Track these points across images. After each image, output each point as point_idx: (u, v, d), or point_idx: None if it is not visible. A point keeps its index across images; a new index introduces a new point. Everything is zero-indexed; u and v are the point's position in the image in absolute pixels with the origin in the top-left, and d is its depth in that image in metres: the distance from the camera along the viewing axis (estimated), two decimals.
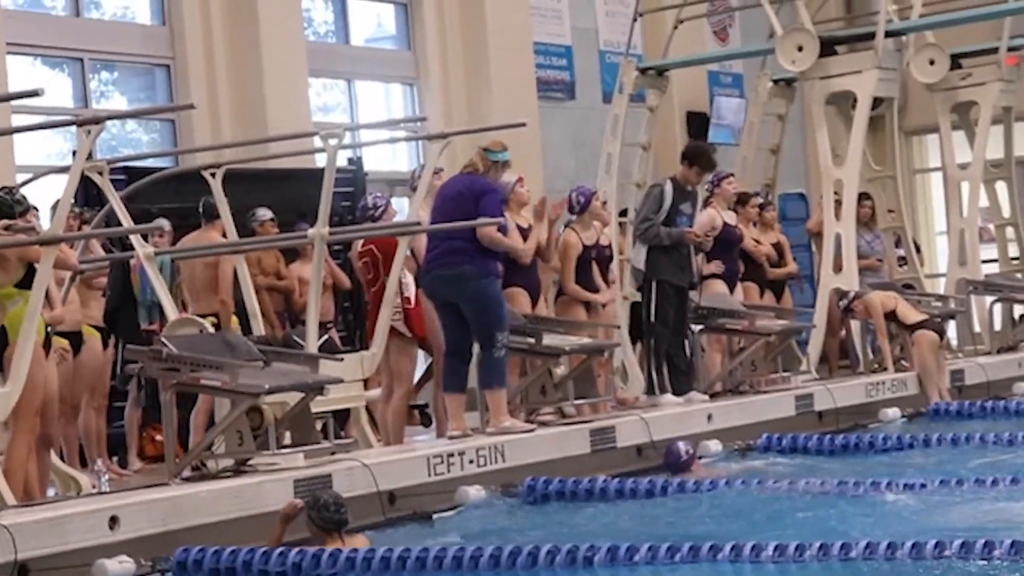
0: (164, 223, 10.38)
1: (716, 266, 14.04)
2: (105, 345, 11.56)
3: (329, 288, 13.18)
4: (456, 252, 10.82)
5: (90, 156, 10.04)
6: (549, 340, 11.54)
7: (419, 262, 11.39)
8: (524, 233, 11.82)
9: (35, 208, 9.89)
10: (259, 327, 11.25)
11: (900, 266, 17.05)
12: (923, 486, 9.10)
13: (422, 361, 12.23)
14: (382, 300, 10.97)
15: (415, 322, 11.39)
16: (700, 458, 10.79)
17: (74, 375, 11.02)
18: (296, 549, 7.89)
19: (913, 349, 14.41)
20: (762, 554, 7.09)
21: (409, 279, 11.36)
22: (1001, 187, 18.23)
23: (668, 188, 12.95)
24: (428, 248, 11.06)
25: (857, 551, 6.93)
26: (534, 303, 12.09)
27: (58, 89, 14.54)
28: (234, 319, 11.61)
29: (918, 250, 17.96)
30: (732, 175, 14.95)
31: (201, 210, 11.76)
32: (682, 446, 10.31)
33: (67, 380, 10.66)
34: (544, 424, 11.52)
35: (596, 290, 12.84)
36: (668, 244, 12.81)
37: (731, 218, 14.43)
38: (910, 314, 14.63)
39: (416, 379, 12.25)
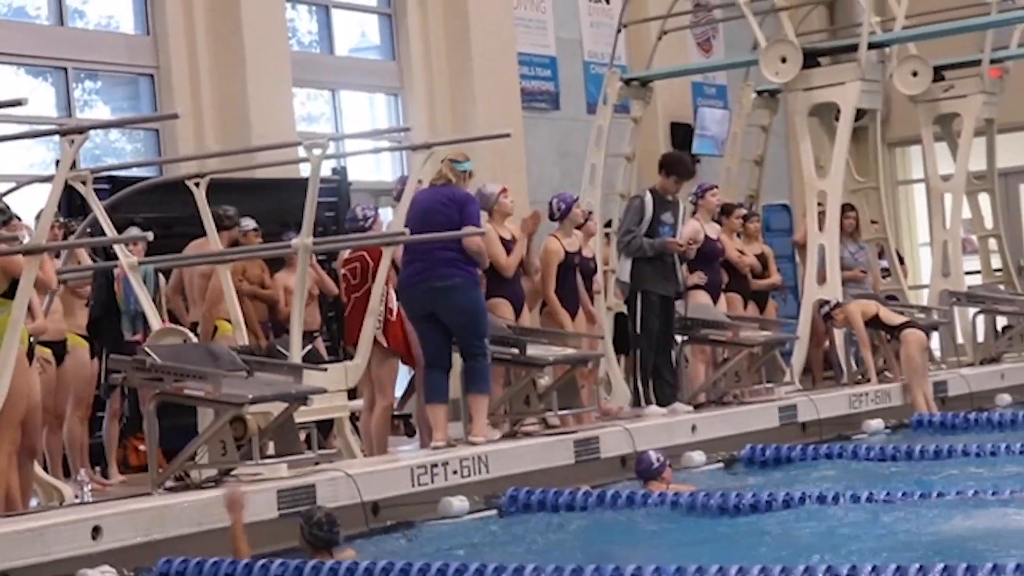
0: (146, 234, 10.34)
1: (699, 277, 14.07)
2: (93, 355, 11.53)
3: (315, 297, 13.17)
4: (447, 263, 10.84)
5: (73, 165, 10.03)
6: (533, 350, 11.55)
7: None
8: (507, 245, 11.84)
9: (19, 217, 9.88)
10: (243, 337, 11.24)
11: (883, 277, 17.09)
12: (903, 498, 9.12)
13: (406, 373, 12.22)
14: (366, 309, 10.95)
15: (393, 334, 11.37)
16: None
17: (58, 384, 10.98)
18: (279, 561, 7.88)
19: (901, 349, 14.40)
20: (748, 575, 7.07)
21: (392, 291, 11.35)
22: (984, 199, 18.28)
23: (648, 199, 12.99)
24: (408, 260, 11.03)
25: (843, 573, 6.91)
26: (517, 314, 12.11)
27: (41, 98, 14.50)
28: (227, 325, 11.58)
29: (901, 261, 18.00)
30: (716, 187, 14.99)
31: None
32: (653, 454, 10.32)
33: (50, 390, 10.63)
34: (528, 435, 11.53)
35: (577, 299, 12.86)
36: (652, 255, 12.84)
37: (714, 230, 14.46)
38: (894, 316, 14.69)
39: (401, 391, 12.25)
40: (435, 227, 10.81)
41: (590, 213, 14.25)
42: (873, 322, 14.62)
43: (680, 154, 14.42)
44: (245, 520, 8.34)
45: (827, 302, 14.89)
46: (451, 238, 10.77)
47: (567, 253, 12.76)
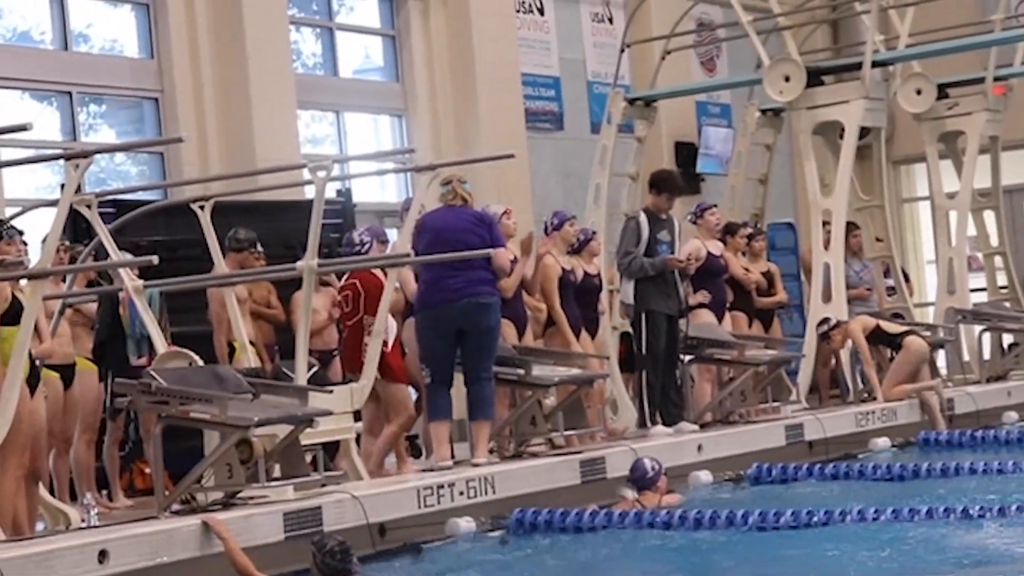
0: (151, 258, 10.32)
1: (703, 296, 14.05)
2: (102, 378, 11.52)
3: (334, 318, 13.14)
4: (484, 282, 11.00)
5: (78, 189, 10.04)
6: (538, 371, 11.55)
7: (407, 296, 11.39)
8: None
9: (24, 241, 9.88)
10: (249, 359, 11.23)
11: (889, 295, 17.08)
12: (909, 515, 9.10)
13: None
14: (358, 335, 10.95)
15: (391, 365, 11.31)
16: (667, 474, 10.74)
17: (66, 408, 10.97)
18: None
19: (901, 355, 14.41)
20: None
21: (392, 323, 11.32)
22: (989, 216, 18.28)
23: (643, 219, 13.01)
24: (438, 277, 11.02)
25: None
26: (520, 334, 12.12)
27: (47, 122, 14.53)
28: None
29: (907, 279, 17.99)
30: (715, 206, 15.00)
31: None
32: (648, 462, 10.31)
33: (56, 413, 10.62)
34: (534, 455, 11.52)
35: (577, 320, 12.87)
36: (653, 274, 12.83)
37: (716, 248, 14.46)
38: (894, 326, 14.76)
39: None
40: (472, 247, 10.95)
41: (594, 233, 14.25)
42: (876, 336, 14.60)
43: (669, 171, 14.45)
44: (234, 538, 8.33)
45: (826, 320, 14.89)
46: (468, 257, 10.85)
47: (563, 270, 12.80)
